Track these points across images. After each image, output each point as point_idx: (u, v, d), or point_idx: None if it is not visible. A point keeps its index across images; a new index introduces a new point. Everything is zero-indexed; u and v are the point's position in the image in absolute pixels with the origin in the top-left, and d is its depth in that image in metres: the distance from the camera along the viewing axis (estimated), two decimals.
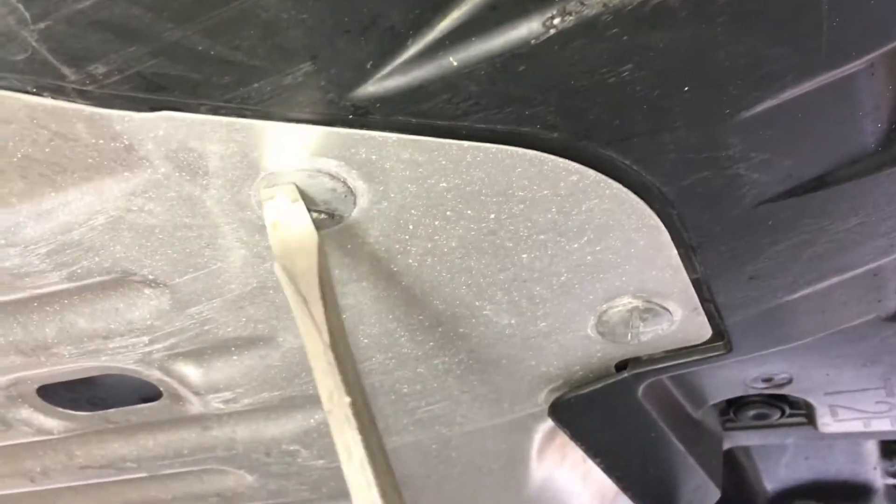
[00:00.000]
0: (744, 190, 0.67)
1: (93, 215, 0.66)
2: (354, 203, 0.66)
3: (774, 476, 1.34)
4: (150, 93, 0.57)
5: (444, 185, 0.65)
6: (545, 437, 1.07)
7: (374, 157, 0.62)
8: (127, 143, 0.60)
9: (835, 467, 1.27)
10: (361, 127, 0.60)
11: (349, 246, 0.71)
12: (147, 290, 0.76)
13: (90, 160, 0.62)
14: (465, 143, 0.62)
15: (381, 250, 0.71)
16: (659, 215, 0.69)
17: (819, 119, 0.62)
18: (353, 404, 0.57)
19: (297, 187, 0.63)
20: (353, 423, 0.56)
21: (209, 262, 0.72)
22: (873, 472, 1.26)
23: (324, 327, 0.59)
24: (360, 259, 0.72)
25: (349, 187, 0.64)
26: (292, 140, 0.60)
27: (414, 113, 0.59)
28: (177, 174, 0.63)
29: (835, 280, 0.78)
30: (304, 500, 1.15)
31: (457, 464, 1.08)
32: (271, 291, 0.75)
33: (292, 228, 0.63)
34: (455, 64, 0.56)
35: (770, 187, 0.67)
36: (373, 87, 0.57)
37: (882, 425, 1.06)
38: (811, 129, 0.63)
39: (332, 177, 0.63)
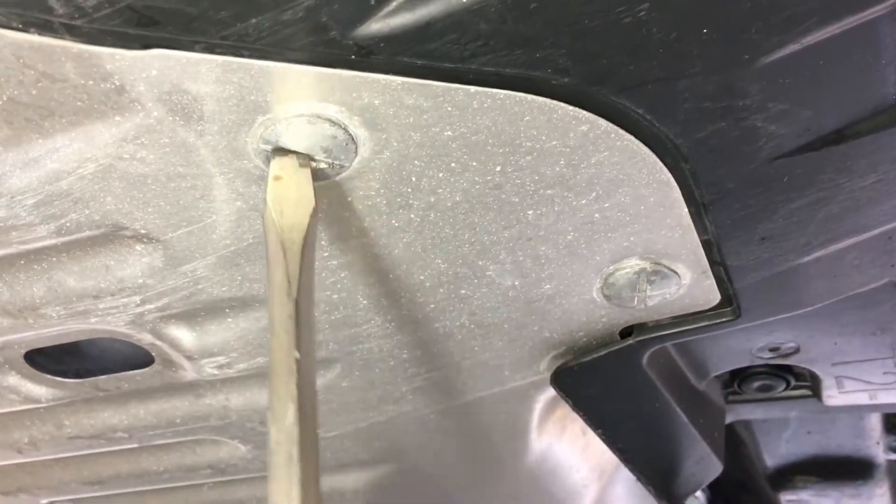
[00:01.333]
0: (760, 143, 0.64)
1: (82, 163, 0.63)
2: (355, 152, 0.63)
3: (775, 451, 1.33)
4: (142, 28, 0.54)
5: (450, 133, 0.62)
6: (545, 408, 1.05)
7: (377, 101, 0.59)
8: (118, 83, 0.57)
9: (836, 442, 1.26)
10: (364, 69, 0.58)
11: (349, 199, 0.68)
12: (139, 246, 0.73)
13: (79, 103, 0.59)
14: (472, 89, 0.59)
15: (383, 204, 0.69)
16: (671, 170, 0.67)
17: (841, 66, 0.60)
18: (300, 362, 0.54)
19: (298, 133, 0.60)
20: (293, 377, 0.53)
21: (204, 215, 0.69)
22: (876, 447, 1.25)
23: (294, 281, 0.57)
24: (361, 213, 0.70)
25: (350, 135, 0.62)
26: (292, 82, 0.58)
27: (419, 54, 0.57)
28: (170, 118, 0.60)
29: (849, 242, 0.76)
30: None
31: (455, 435, 1.06)
32: None
33: (292, 188, 0.61)
34: (464, 0, 0.53)
35: (787, 141, 0.65)
36: (377, 25, 0.54)
37: (888, 397, 1.05)
38: (832, 78, 0.61)
39: (333, 123, 0.61)
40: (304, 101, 0.59)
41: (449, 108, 0.60)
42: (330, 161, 0.63)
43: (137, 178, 0.65)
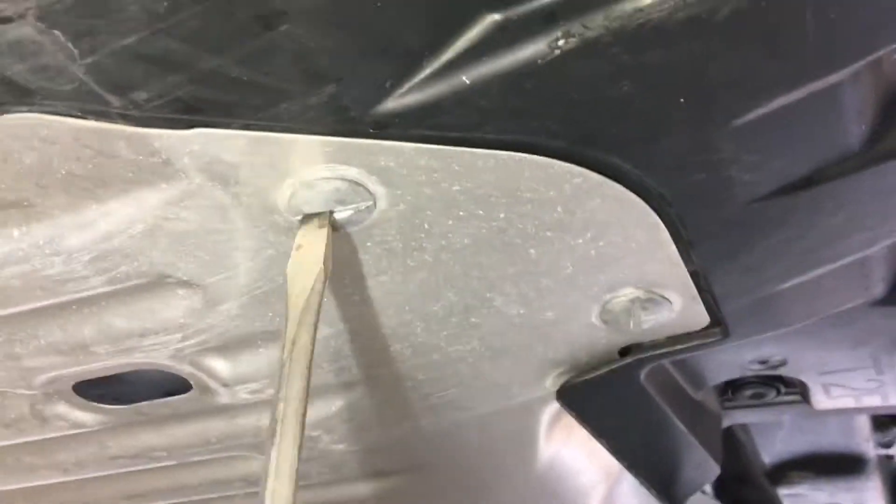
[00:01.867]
0: (736, 190, 0.72)
1: (132, 224, 0.71)
2: (374, 205, 0.70)
3: (771, 450, 1.40)
4: (188, 114, 0.62)
5: (457, 188, 0.70)
6: (552, 418, 1.13)
7: (392, 164, 0.67)
8: (164, 158, 0.65)
9: (829, 440, 1.33)
10: (381, 139, 0.65)
11: (369, 244, 0.76)
12: (181, 291, 0.81)
13: (130, 174, 0.67)
14: (478, 151, 0.67)
15: (399, 247, 0.76)
16: (658, 213, 0.74)
17: (806, 124, 0.67)
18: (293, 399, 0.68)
19: (325, 198, 0.68)
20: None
21: (238, 262, 0.77)
22: (866, 443, 1.32)
23: (290, 340, 0.69)
24: (379, 255, 0.77)
25: (369, 192, 0.69)
26: (317, 151, 0.65)
27: (429, 126, 0.64)
28: (209, 184, 0.68)
29: (824, 270, 0.83)
30: (325, 481, 1.20)
31: (468, 447, 1.13)
32: None
33: (310, 254, 0.71)
34: (467, 82, 0.60)
35: (761, 187, 0.72)
36: (391, 104, 0.62)
37: (873, 401, 1.12)
38: (799, 133, 0.68)
39: (354, 183, 0.68)
40: (327, 165, 0.67)
41: (456, 168, 0.68)
42: (351, 213, 0.71)
43: (180, 234, 0.73)
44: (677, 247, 0.78)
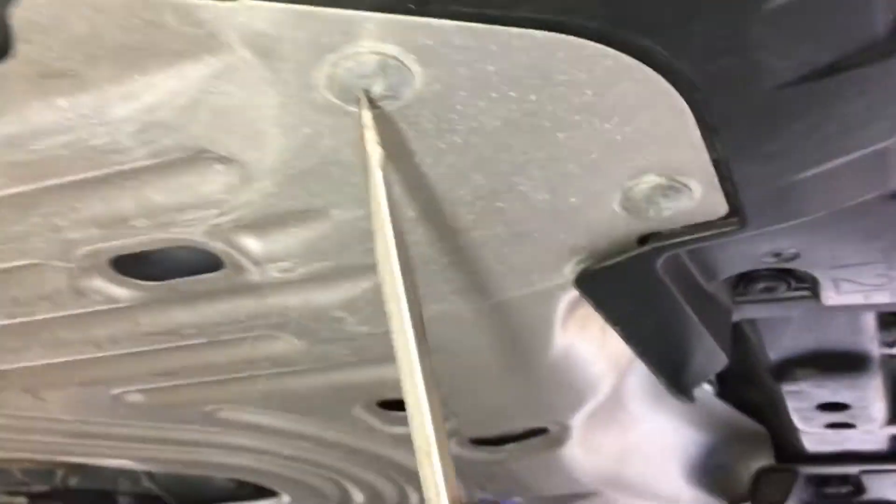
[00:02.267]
0: (763, 75, 0.73)
1: (175, 96, 0.74)
2: (411, 85, 0.73)
3: (778, 347, 1.44)
4: None
5: (492, 68, 0.72)
6: (568, 308, 1.17)
7: (430, 42, 0.69)
8: (210, 30, 0.67)
9: (834, 338, 1.37)
10: (421, 15, 0.67)
11: (402, 125, 0.78)
12: (219, 166, 0.83)
13: (176, 46, 0.69)
14: (514, 30, 0.68)
15: (431, 129, 0.79)
16: (685, 98, 0.76)
17: (836, 10, 0.68)
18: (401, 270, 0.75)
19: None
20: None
21: (276, 140, 0.79)
22: (870, 342, 1.36)
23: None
24: (412, 136, 0.80)
25: (408, 69, 0.71)
26: (359, 27, 0.67)
27: (469, 3, 0.66)
28: (253, 58, 0.70)
29: (843, 160, 0.85)
30: (347, 363, 1.25)
31: (488, 332, 1.18)
32: (331, 167, 0.83)
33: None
34: None
35: (788, 73, 0.73)
36: None
37: (881, 297, 1.15)
38: (828, 19, 0.69)
39: (394, 60, 0.70)
40: (367, 41, 0.69)
41: (493, 47, 0.70)
42: (389, 93, 0.73)
43: (221, 108, 0.75)
44: (701, 133, 0.80)
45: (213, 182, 0.86)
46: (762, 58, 0.72)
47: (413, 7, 0.66)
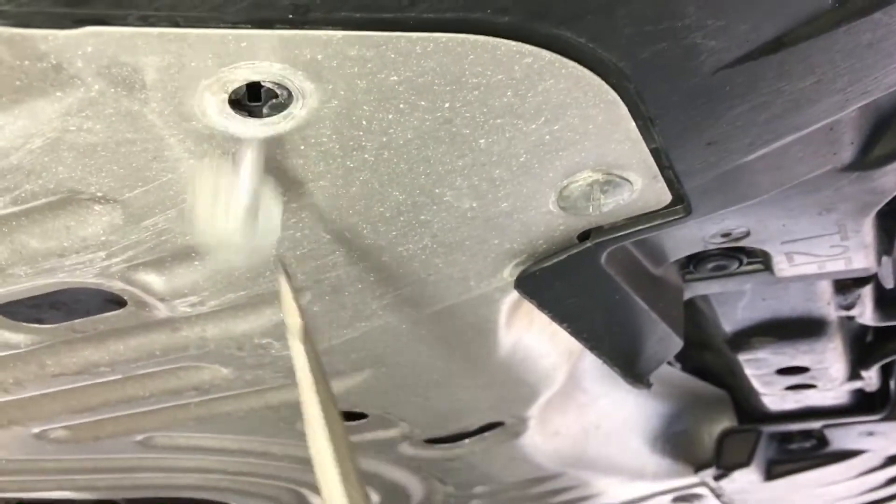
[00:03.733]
0: (701, 58, 0.65)
1: (28, 139, 0.63)
2: (303, 105, 0.63)
3: (733, 319, 1.39)
4: (72, 6, 0.53)
5: (395, 78, 0.63)
6: (512, 306, 1.09)
7: (319, 56, 0.59)
8: (54, 62, 0.57)
9: (790, 305, 1.32)
10: (303, 27, 0.57)
11: (302, 147, 0.69)
12: (97, 207, 0.73)
13: (17, 82, 0.58)
14: (414, 35, 0.59)
15: (336, 148, 0.70)
16: (616, 90, 0.68)
17: None
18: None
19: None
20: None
21: (158, 174, 0.69)
22: (827, 307, 1.31)
23: None
24: (315, 158, 0.70)
25: (296, 88, 0.62)
26: (231, 46, 0.57)
27: (357, 7, 0.56)
28: (112, 90, 0.60)
29: (792, 138, 0.78)
30: (281, 385, 1.17)
31: (428, 341, 1.10)
32: None
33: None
34: None
35: (727, 54, 0.65)
36: None
37: (836, 266, 1.09)
38: None
39: (278, 80, 0.60)
40: (245, 61, 0.59)
41: (392, 56, 0.60)
42: (278, 114, 0.64)
43: (87, 147, 0.65)
44: (637, 124, 0.72)
45: (93, 224, 0.75)
46: (697, 40, 0.63)
47: (292, 17, 0.56)
